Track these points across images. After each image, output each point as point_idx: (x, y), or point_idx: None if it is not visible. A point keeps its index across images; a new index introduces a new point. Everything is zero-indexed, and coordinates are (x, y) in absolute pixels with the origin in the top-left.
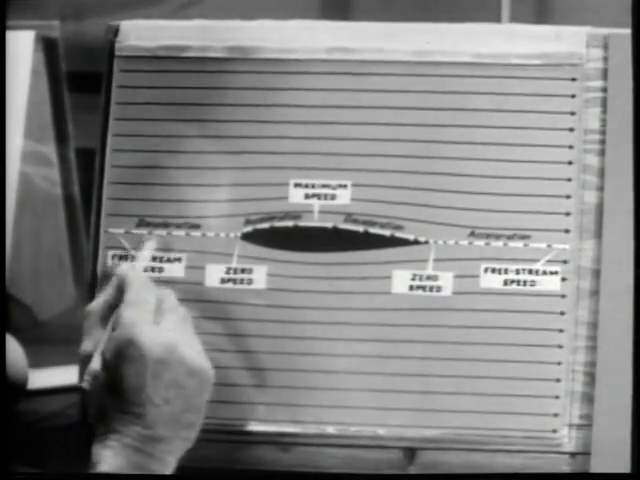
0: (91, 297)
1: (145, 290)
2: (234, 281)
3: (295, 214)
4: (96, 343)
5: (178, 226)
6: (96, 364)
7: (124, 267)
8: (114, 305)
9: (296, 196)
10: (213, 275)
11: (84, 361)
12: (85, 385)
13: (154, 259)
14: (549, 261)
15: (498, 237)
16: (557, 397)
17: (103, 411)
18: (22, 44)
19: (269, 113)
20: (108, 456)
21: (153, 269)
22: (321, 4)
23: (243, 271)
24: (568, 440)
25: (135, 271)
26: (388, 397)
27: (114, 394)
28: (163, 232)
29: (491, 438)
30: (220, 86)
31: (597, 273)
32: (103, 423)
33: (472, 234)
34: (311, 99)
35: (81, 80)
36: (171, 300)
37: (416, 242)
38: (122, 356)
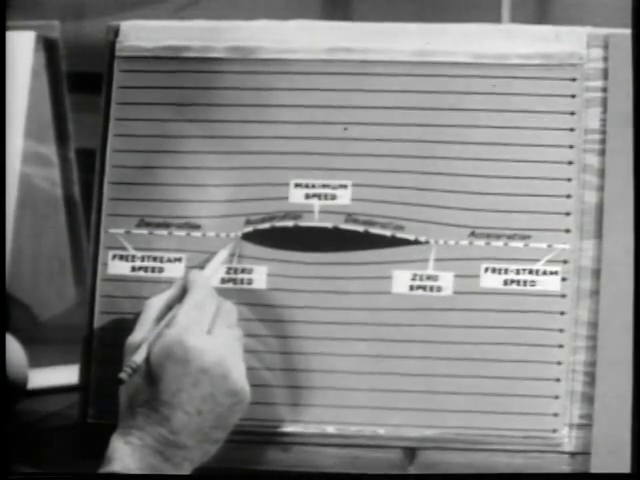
0: (92, 298)
1: (207, 298)
2: (234, 281)
3: (295, 214)
4: (145, 337)
5: (178, 226)
6: (139, 357)
7: (194, 272)
8: (173, 305)
9: (296, 196)
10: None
11: (129, 351)
12: (123, 376)
13: (154, 259)
14: (549, 261)
15: (498, 237)
16: (557, 397)
17: (134, 405)
18: (22, 44)
19: (269, 113)
20: (125, 452)
21: (153, 269)
22: (321, 4)
23: (243, 271)
24: (568, 440)
25: (202, 277)
26: (388, 397)
27: (150, 390)
28: (164, 232)
29: (491, 438)
30: (220, 86)
31: (597, 273)
32: (130, 417)
33: (472, 234)
34: (311, 99)
35: (81, 80)
36: (231, 317)
37: (416, 242)
38: (168, 355)
